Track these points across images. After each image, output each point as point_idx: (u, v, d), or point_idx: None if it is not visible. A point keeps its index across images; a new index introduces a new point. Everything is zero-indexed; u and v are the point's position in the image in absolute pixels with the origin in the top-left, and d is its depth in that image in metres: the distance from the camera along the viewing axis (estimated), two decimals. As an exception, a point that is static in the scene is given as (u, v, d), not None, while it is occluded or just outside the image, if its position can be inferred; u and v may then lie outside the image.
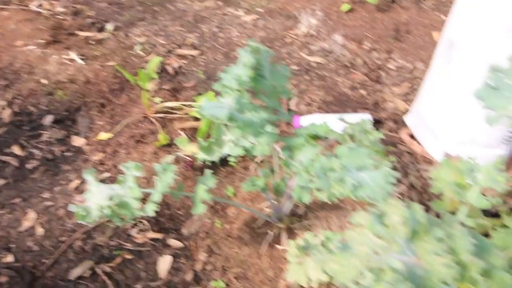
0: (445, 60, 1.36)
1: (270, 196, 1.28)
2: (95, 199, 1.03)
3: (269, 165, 1.29)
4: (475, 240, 0.77)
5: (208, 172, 1.16)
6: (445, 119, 1.44)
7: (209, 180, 1.15)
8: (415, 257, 0.72)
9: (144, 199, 1.10)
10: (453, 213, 1.16)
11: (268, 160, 1.45)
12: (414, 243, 0.73)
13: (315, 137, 1.20)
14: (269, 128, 1.26)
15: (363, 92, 1.87)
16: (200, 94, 1.89)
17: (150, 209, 1.04)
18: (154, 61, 1.73)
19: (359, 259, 0.69)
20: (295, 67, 2.02)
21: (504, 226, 1.05)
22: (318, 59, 2.06)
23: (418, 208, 0.75)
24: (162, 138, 1.67)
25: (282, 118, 1.27)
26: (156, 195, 1.03)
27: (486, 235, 1.15)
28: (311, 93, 1.89)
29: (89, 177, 1.09)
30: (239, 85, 1.14)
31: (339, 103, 1.84)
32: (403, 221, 0.72)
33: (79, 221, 1.03)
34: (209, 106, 1.03)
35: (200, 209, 1.10)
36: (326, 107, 1.82)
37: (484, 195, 1.08)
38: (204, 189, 1.11)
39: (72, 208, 1.03)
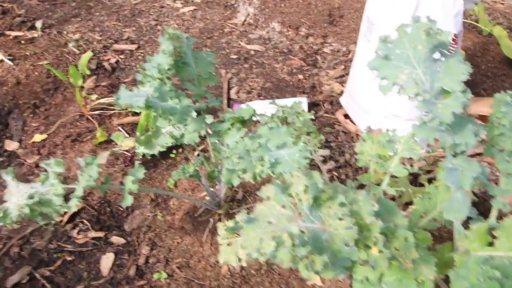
0: (366, 39, 1.42)
1: (205, 183, 1.30)
2: (14, 199, 1.00)
3: (207, 153, 1.30)
4: (381, 204, 0.83)
5: (137, 163, 1.16)
6: (372, 97, 1.51)
7: (138, 171, 1.15)
8: (320, 223, 0.76)
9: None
10: (378, 184, 1.24)
11: (206, 149, 1.47)
12: (319, 210, 0.77)
13: (242, 121, 1.23)
14: (196, 115, 1.27)
15: (300, 76, 1.92)
16: (138, 88, 1.86)
17: (74, 204, 1.02)
18: (85, 57, 1.69)
19: (263, 229, 0.72)
20: (234, 56, 2.03)
21: (426, 193, 1.13)
22: (256, 47, 2.08)
23: (317, 176, 0.79)
24: (100, 135, 1.63)
25: (212, 104, 1.29)
26: (79, 190, 1.02)
27: (411, 202, 1.23)
28: (250, 81, 1.91)
29: (8, 177, 1.05)
30: (160, 73, 1.14)
31: (278, 89, 1.87)
32: (305, 190, 0.75)
33: (10, 226, 0.99)
34: (125, 96, 1.02)
35: (128, 201, 1.09)
36: (266, 94, 1.85)
37: (411, 165, 1.15)
38: (131, 180, 1.11)
39: None
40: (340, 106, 1.76)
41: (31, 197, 1.00)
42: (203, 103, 1.23)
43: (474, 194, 1.33)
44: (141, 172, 1.15)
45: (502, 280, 0.66)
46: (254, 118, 1.22)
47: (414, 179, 1.45)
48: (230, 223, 1.03)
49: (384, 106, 1.49)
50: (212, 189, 1.35)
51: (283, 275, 1.27)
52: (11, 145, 1.70)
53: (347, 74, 1.91)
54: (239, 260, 0.99)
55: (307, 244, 0.69)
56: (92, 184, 1.05)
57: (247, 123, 1.21)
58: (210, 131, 1.23)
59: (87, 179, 1.03)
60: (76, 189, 1.03)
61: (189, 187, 1.50)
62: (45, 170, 1.08)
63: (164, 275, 1.28)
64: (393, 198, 1.37)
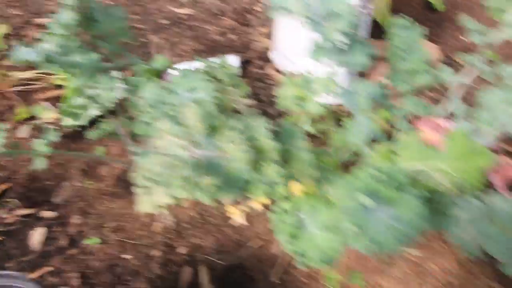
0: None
1: (129, 143, 1.27)
2: None
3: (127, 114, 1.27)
4: (283, 129, 0.85)
5: (49, 128, 1.11)
6: (294, 45, 1.52)
7: (51, 134, 1.11)
8: (217, 150, 0.76)
9: None
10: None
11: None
12: (214, 137, 0.77)
13: (158, 73, 1.20)
14: (113, 73, 1.23)
15: (232, 36, 1.90)
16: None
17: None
18: (-3, 30, 1.58)
19: (159, 160, 0.72)
20: (164, 21, 1.98)
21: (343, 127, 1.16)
22: (187, 10, 2.03)
23: (209, 105, 0.79)
24: (22, 111, 1.55)
25: (131, 63, 1.25)
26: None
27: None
28: (182, 44, 1.87)
29: None
30: (64, 30, 1.09)
31: (210, 50, 1.84)
32: (199, 119, 0.75)
33: None
34: (21, 52, 0.97)
35: (39, 164, 1.05)
36: (198, 56, 1.81)
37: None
38: (42, 143, 1.07)
39: None
40: (270, 62, 1.76)
41: None
42: (120, 61, 1.20)
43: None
44: (53, 135, 1.11)
45: (389, 182, 0.69)
46: (172, 71, 1.20)
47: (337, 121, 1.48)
48: (145, 172, 1.02)
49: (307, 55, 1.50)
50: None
51: (216, 225, 1.28)
52: None
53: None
54: (155, 207, 0.99)
55: (201, 168, 0.69)
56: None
57: (162, 74, 1.18)
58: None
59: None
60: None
61: (119, 152, 1.46)
62: None
63: (97, 240, 1.26)
64: (314, 137, 1.40)
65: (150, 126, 1.11)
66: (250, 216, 1.28)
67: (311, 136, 1.44)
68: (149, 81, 1.19)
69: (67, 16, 1.10)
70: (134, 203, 1.34)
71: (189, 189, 0.75)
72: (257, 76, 1.71)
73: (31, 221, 1.34)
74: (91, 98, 1.32)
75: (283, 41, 1.62)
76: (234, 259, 1.21)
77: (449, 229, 0.76)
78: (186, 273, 1.19)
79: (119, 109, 1.56)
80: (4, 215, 1.36)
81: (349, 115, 1.42)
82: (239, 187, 0.77)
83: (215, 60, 1.37)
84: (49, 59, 0.98)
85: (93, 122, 1.54)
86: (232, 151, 0.79)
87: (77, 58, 1.07)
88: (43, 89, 1.68)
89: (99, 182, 1.40)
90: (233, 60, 1.71)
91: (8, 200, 1.40)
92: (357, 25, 0.86)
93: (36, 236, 1.31)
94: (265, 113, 1.53)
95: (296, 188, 1.04)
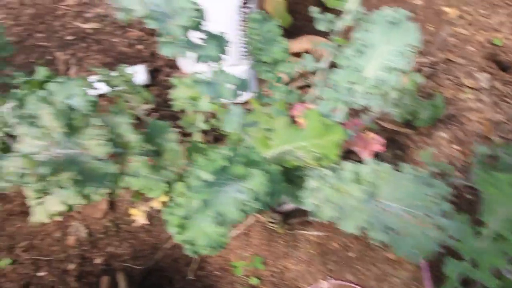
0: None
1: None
2: None
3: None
4: (151, 124, 0.93)
5: None
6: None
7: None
8: (79, 148, 0.82)
9: None
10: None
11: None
12: (76, 136, 0.83)
13: (40, 84, 1.23)
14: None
15: (140, 47, 1.95)
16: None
17: None
18: None
19: (18, 162, 0.77)
20: (70, 37, 1.97)
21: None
22: (94, 25, 2.04)
23: (62, 105, 0.85)
24: None
25: (16, 79, 1.26)
26: None
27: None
28: (90, 59, 1.88)
29: None
30: None
31: (118, 62, 1.87)
32: (55, 119, 0.81)
33: None
34: None
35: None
36: (107, 69, 1.84)
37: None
38: None
39: None
40: (178, 68, 1.84)
41: None
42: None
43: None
44: None
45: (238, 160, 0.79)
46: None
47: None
48: (36, 186, 1.05)
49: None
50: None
51: (131, 232, 1.33)
52: None
53: (184, 37, 1.99)
54: (49, 215, 1.03)
55: (59, 165, 0.75)
56: None
57: (44, 85, 1.21)
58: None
59: None
60: None
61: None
62: None
63: (8, 261, 1.26)
64: (218, 138, 1.50)
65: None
66: (154, 216, 1.34)
67: (214, 134, 1.54)
68: (31, 93, 1.22)
69: None
70: (30, 216, 1.36)
71: (48, 186, 0.80)
72: (166, 83, 1.78)
73: None
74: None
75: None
76: (150, 262, 1.27)
77: (302, 198, 0.88)
78: (104, 282, 1.23)
79: None
80: None
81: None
82: (102, 180, 0.83)
83: (116, 71, 1.42)
84: None
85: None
86: (93, 147, 0.85)
87: None
88: None
89: (7, 203, 1.39)
90: (140, 69, 1.76)
91: None
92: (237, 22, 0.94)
93: None
94: (171, 117, 1.60)
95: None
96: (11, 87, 1.26)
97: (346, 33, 1.04)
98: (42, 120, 0.81)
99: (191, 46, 0.94)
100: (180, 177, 1.03)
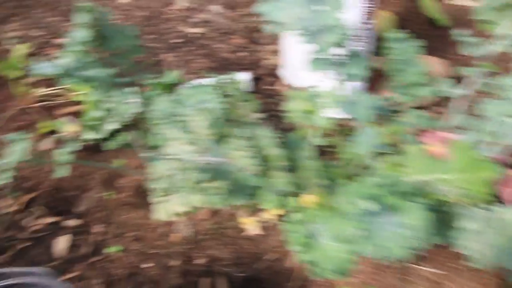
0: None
1: (145, 155, 1.34)
2: None
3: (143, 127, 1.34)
4: (287, 138, 0.92)
5: (69, 139, 1.19)
6: (299, 60, 1.61)
7: (72, 144, 1.18)
8: (224, 157, 0.83)
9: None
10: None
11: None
12: (222, 145, 0.84)
13: (170, 86, 1.28)
14: (128, 88, 1.31)
15: (243, 54, 1.99)
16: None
17: (5, 177, 1.04)
18: (21, 48, 1.68)
19: (171, 164, 0.79)
20: (176, 40, 2.07)
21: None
22: (199, 30, 2.13)
23: (218, 111, 0.86)
24: (44, 126, 1.64)
25: (142, 79, 1.33)
26: (10, 163, 1.04)
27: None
28: (195, 62, 1.96)
29: None
30: (80, 46, 1.17)
31: (222, 68, 1.93)
32: (207, 126, 0.82)
33: None
34: (40, 66, 1.05)
35: (61, 172, 1.13)
36: (211, 73, 1.90)
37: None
38: (64, 152, 1.14)
39: None
40: (279, 78, 1.85)
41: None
42: (133, 77, 1.28)
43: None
44: (73, 145, 1.18)
45: (393, 189, 0.75)
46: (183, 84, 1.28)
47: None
48: (162, 182, 1.09)
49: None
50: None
51: (231, 237, 1.34)
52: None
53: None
54: (172, 215, 1.06)
55: (209, 173, 0.76)
56: (23, 157, 1.07)
57: (173, 88, 1.27)
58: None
59: (17, 153, 1.06)
60: (7, 162, 1.05)
61: (138, 164, 1.53)
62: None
63: (119, 248, 1.32)
64: (324, 151, 1.46)
65: (161, 136, 1.19)
66: (265, 227, 1.34)
67: (321, 149, 1.51)
68: (161, 95, 1.28)
69: (82, 33, 1.19)
70: (151, 213, 1.41)
71: (200, 192, 0.82)
72: (268, 92, 1.80)
73: (56, 229, 1.40)
74: (108, 111, 1.41)
75: (289, 57, 1.70)
76: (250, 271, 1.26)
77: (457, 240, 0.81)
78: (205, 284, 1.25)
79: (137, 122, 1.65)
80: (31, 223, 1.43)
81: (355, 128, 1.49)
82: (247, 193, 0.83)
83: (225, 77, 1.46)
84: (66, 73, 1.06)
85: (112, 135, 1.63)
86: (239, 158, 0.86)
87: (92, 72, 1.15)
88: (63, 105, 1.76)
89: (118, 193, 1.47)
90: (244, 77, 1.80)
91: (34, 208, 1.47)
92: (357, 39, 0.94)
93: (61, 244, 1.37)
94: (276, 127, 1.60)
95: (308, 199, 1.11)
96: (137, 86, 1.34)
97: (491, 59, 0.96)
98: (194, 126, 0.83)
99: (336, 63, 0.93)
100: (306, 192, 1.02)
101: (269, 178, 0.85)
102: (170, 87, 1.25)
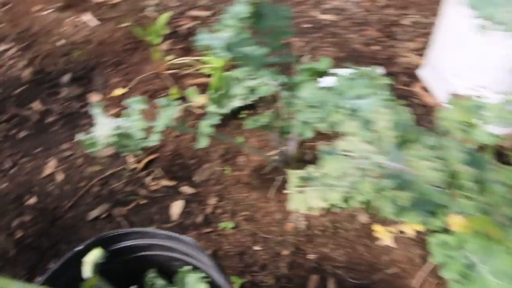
0: (458, 4, 1.32)
1: (276, 138, 1.30)
2: (102, 131, 1.08)
3: (276, 110, 1.30)
4: (471, 155, 0.78)
5: (213, 112, 1.19)
6: (458, 67, 1.42)
7: (212, 117, 1.19)
8: (403, 163, 0.73)
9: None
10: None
11: (275, 107, 1.46)
12: (403, 149, 0.74)
13: (318, 73, 1.21)
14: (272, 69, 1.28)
15: (376, 48, 1.85)
16: (212, 52, 1.90)
17: (154, 139, 1.08)
18: (163, 17, 1.76)
19: (345, 162, 0.71)
20: (307, 26, 2.00)
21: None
22: (330, 17, 2.03)
23: (405, 112, 0.75)
24: (174, 92, 1.70)
25: (285, 59, 1.29)
26: (160, 126, 1.07)
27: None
28: (323, 50, 1.87)
29: (96, 111, 1.13)
30: (238, 22, 1.15)
31: (351, 59, 1.82)
32: (390, 126, 0.73)
33: (87, 151, 1.08)
34: (205, 37, 1.05)
35: (203, 143, 1.13)
36: (339, 64, 1.80)
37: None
38: (207, 124, 1.15)
39: (79, 137, 1.08)
40: (417, 79, 1.67)
41: (116, 129, 1.08)
42: (277, 57, 1.24)
43: None
44: (215, 119, 1.19)
45: None
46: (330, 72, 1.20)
47: (498, 156, 1.34)
48: (301, 172, 1.03)
49: (471, 76, 1.38)
50: (282, 148, 1.35)
51: (349, 239, 1.25)
52: (94, 98, 1.83)
53: (427, 46, 1.81)
54: (309, 208, 0.99)
55: (391, 178, 0.67)
56: (170, 122, 1.10)
57: (323, 76, 1.19)
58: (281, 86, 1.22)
59: (167, 116, 1.09)
60: (157, 125, 1.08)
61: (257, 145, 1.51)
62: (128, 108, 1.15)
63: (231, 224, 1.32)
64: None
65: (307, 126, 1.13)
66: (397, 239, 1.21)
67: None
68: (310, 81, 1.21)
69: (242, 8, 1.17)
70: (268, 197, 1.38)
71: (371, 189, 0.73)
72: (401, 92, 1.64)
73: (171, 193, 1.45)
74: (245, 89, 1.39)
75: (442, 59, 1.52)
76: (365, 280, 1.16)
77: None
78: (313, 280, 1.18)
79: (270, 104, 1.63)
80: (149, 182, 1.50)
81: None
82: (427, 209, 0.73)
83: (367, 69, 1.34)
84: (227, 47, 1.04)
85: (235, 113, 1.63)
86: (422, 168, 0.75)
87: (248, 50, 1.13)
88: (193, 75, 1.82)
89: (236, 170, 1.47)
90: (379, 72, 1.66)
91: (153, 169, 1.54)
92: None
93: (175, 208, 1.42)
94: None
95: (457, 221, 0.96)
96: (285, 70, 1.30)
97: None
98: (376, 123, 0.75)
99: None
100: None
101: (453, 197, 0.74)
102: (319, 74, 1.18)
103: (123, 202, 1.45)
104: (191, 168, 1.52)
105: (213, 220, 1.36)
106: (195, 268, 0.90)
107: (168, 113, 1.10)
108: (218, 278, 0.86)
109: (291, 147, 1.33)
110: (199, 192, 1.44)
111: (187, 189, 1.46)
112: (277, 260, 1.23)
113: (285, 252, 1.24)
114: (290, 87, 1.24)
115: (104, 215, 1.41)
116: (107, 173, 1.54)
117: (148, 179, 1.51)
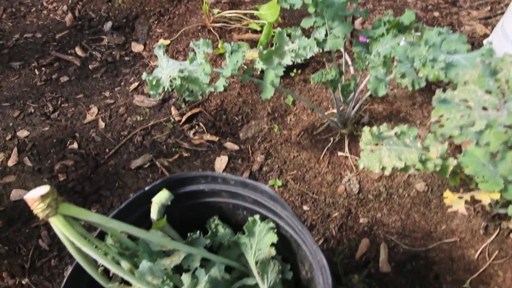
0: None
1: (336, 97, 1.23)
2: (165, 72, 1.02)
3: (337, 68, 1.22)
4: None
5: (279, 63, 1.12)
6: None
7: (277, 68, 1.12)
8: None
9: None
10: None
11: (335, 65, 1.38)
12: None
13: (400, 28, 1.12)
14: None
15: (436, 14, 1.73)
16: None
17: (221, 84, 1.02)
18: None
19: (461, 111, 0.64)
20: (361, -14, 1.88)
21: None
22: (387, -21, 1.90)
23: None
24: (221, 46, 1.63)
25: (356, 13, 1.20)
26: (227, 70, 1.01)
27: None
28: (378, 13, 1.76)
29: (159, 52, 1.08)
30: None
31: (408, 24, 1.70)
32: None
33: (149, 91, 1.03)
34: None
35: (269, 93, 1.07)
36: (394, 28, 1.69)
37: None
38: (273, 74, 1.08)
39: (144, 76, 1.03)
40: (481, 49, 1.56)
41: (181, 71, 1.02)
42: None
43: None
44: (280, 70, 1.12)
45: None
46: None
47: None
48: (375, 130, 0.96)
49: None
50: (341, 104, 1.28)
51: (404, 206, 1.19)
52: (136, 47, 1.78)
53: (494, 16, 1.68)
54: (383, 168, 0.93)
55: None
56: (236, 69, 1.04)
57: (406, 30, 1.10)
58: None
59: (234, 61, 1.02)
60: (224, 70, 1.02)
61: (308, 106, 1.45)
62: (193, 51, 1.09)
63: (279, 183, 1.27)
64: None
65: (382, 83, 1.05)
66: (467, 209, 1.14)
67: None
68: (390, 34, 1.13)
69: None
70: (319, 158, 1.32)
71: (497, 141, 0.65)
72: (463, 61, 1.54)
73: (215, 148, 1.41)
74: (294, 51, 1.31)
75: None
76: (419, 247, 1.11)
77: None
78: (364, 244, 1.14)
79: (327, 61, 1.55)
80: (192, 136, 1.46)
81: None
82: None
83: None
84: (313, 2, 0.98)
85: (284, 72, 1.55)
86: None
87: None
88: (240, 30, 1.74)
89: (285, 129, 1.41)
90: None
91: (196, 123, 1.49)
92: None
93: (220, 163, 1.37)
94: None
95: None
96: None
97: None
98: (503, 72, 0.67)
99: None
100: None
101: None
102: (400, 27, 1.09)
103: (166, 153, 1.42)
104: (236, 124, 1.47)
105: (260, 177, 1.31)
106: (264, 218, 0.86)
107: (235, 59, 1.03)
108: (293, 230, 0.81)
109: (350, 108, 1.26)
110: (245, 149, 1.39)
111: (231, 145, 1.41)
112: (326, 222, 1.18)
113: (336, 214, 1.19)
114: (363, 44, 1.17)
115: (147, 165, 1.38)
116: (150, 124, 1.50)
117: (190, 133, 1.46)
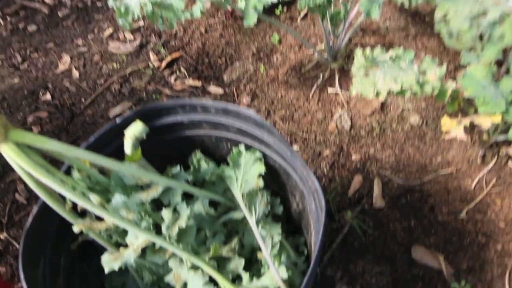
0: None
1: (325, 27, 1.14)
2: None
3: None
4: None
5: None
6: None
7: (260, -6, 1.02)
8: None
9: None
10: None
11: None
12: None
13: None
14: None
15: None
16: None
17: (198, 9, 0.93)
18: None
19: (469, 4, 0.56)
20: None
21: None
22: None
23: None
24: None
25: None
26: (204, -8, 0.91)
27: None
28: None
29: (128, -24, 0.97)
30: None
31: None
32: None
33: (118, 20, 0.94)
34: None
35: (251, 18, 0.98)
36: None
37: None
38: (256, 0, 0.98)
39: (111, 3, 0.93)
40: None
41: (151, -4, 0.92)
42: None
43: None
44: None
45: None
46: None
47: None
48: (368, 52, 0.88)
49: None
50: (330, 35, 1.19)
51: (397, 141, 1.13)
52: (109, -8, 1.64)
53: None
54: (377, 93, 0.86)
55: None
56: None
57: None
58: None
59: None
60: (199, -8, 0.92)
61: (295, 43, 1.35)
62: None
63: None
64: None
65: (374, 3, 0.96)
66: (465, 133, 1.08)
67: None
68: None
69: None
70: (308, 96, 1.25)
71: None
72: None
73: (198, 93, 1.33)
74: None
75: None
76: (414, 181, 1.07)
77: None
78: (357, 181, 1.09)
79: None
80: (173, 81, 1.37)
81: None
82: None
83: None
84: None
85: (269, 10, 1.45)
86: None
87: None
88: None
89: (271, 68, 1.32)
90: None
91: (177, 68, 1.40)
92: None
93: (204, 108, 1.30)
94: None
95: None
96: None
97: None
98: None
99: None
100: None
101: None
102: None
103: (146, 100, 1.33)
104: (220, 67, 1.38)
105: (246, 119, 1.24)
106: (249, 148, 0.79)
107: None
108: (282, 158, 0.75)
109: (340, 40, 1.17)
110: (230, 92, 1.31)
111: (216, 89, 1.33)
112: (317, 160, 1.13)
113: (327, 152, 1.14)
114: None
115: (126, 113, 1.30)
116: (127, 71, 1.40)
117: (172, 79, 1.37)
